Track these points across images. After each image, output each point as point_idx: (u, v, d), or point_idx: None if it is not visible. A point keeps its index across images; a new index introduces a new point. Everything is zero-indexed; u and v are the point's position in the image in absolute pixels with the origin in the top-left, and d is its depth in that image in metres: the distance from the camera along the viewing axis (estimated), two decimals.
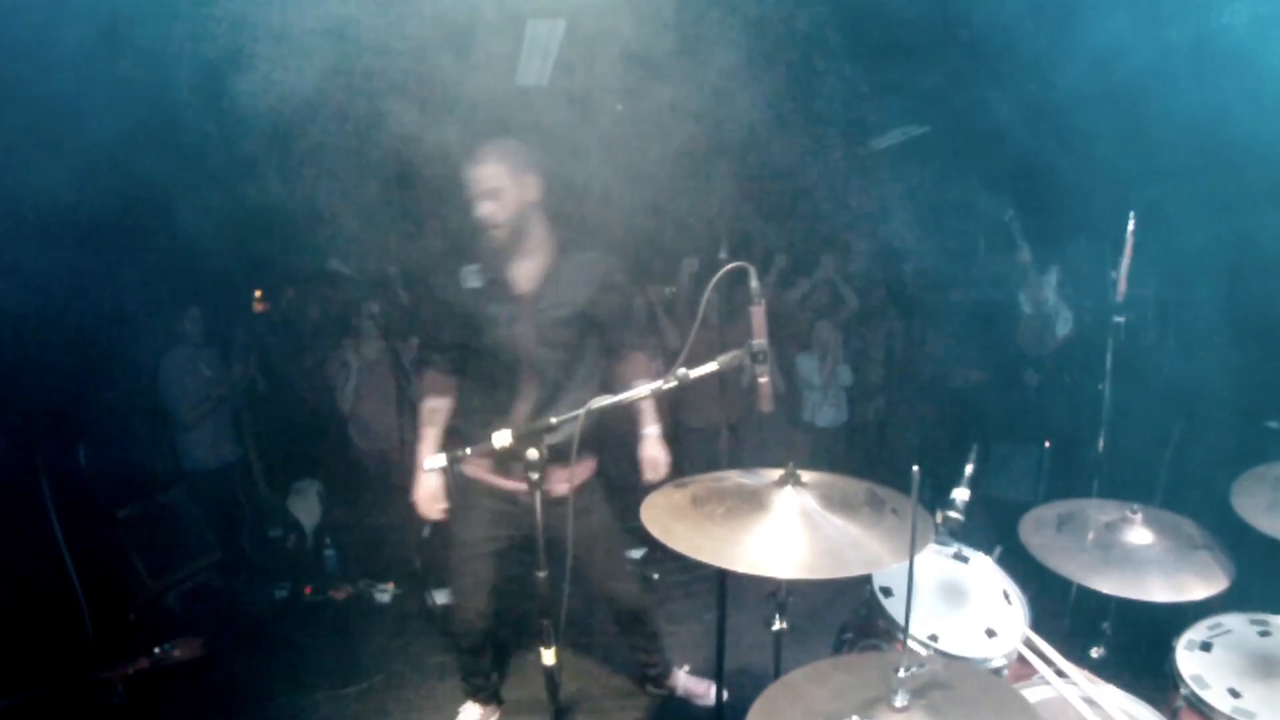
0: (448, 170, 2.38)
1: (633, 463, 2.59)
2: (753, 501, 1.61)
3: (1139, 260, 2.65)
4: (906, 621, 1.38)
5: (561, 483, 2.13)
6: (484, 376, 2.41)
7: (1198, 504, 2.05)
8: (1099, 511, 1.99)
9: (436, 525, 2.70)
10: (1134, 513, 1.92)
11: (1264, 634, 1.75)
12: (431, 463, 1.93)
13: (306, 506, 4.72)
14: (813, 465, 1.77)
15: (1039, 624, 1.93)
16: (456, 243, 2.53)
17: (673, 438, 4.71)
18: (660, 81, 3.33)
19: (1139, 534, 1.89)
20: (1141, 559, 1.83)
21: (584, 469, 2.50)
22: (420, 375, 2.91)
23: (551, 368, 2.35)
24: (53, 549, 3.28)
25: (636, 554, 4.09)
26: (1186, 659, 1.71)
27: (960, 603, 1.94)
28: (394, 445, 4.35)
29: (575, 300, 2.34)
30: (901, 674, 1.25)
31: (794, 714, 1.29)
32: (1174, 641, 1.76)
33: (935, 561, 2.04)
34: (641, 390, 1.72)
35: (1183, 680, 1.66)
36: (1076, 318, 4.29)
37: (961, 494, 1.98)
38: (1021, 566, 2.01)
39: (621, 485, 2.76)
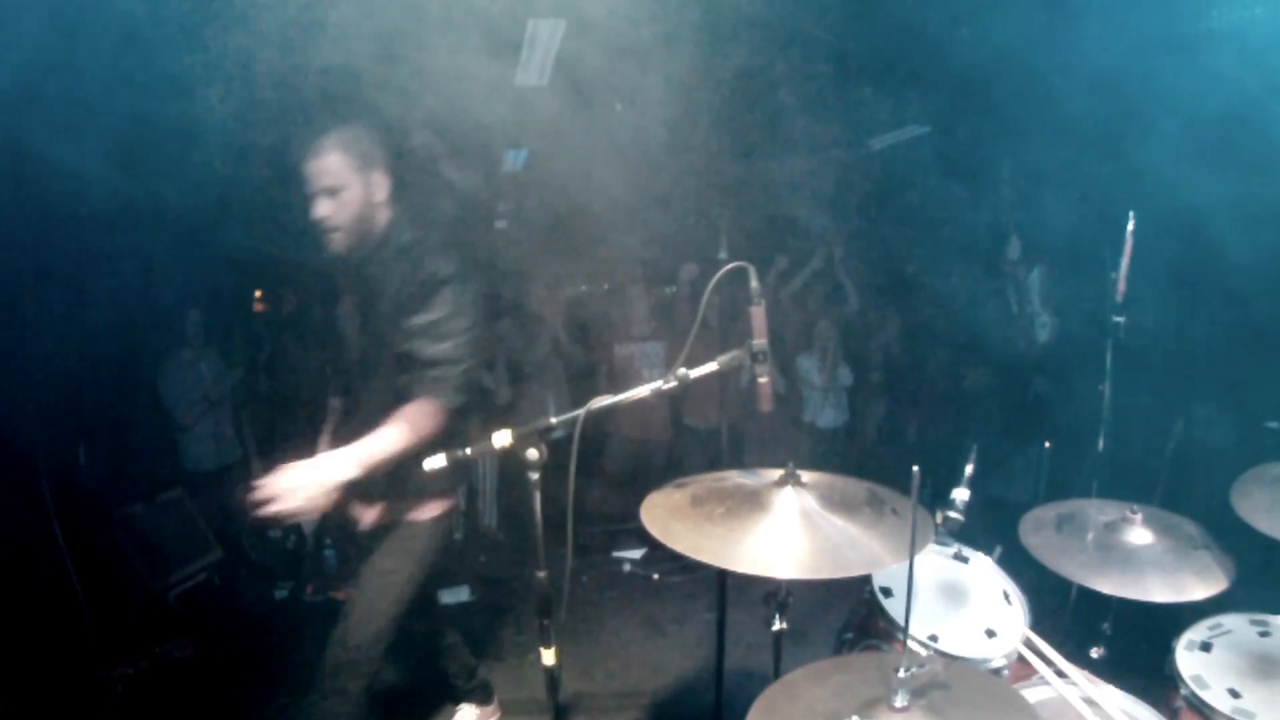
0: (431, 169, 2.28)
1: (633, 462, 2.59)
2: (753, 501, 1.61)
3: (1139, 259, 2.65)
4: (906, 622, 1.38)
5: (367, 514, 2.02)
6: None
7: (1198, 504, 2.05)
8: (1099, 512, 1.98)
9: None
10: (1134, 513, 1.92)
11: (1264, 634, 1.75)
12: (432, 462, 1.91)
13: None
14: (813, 465, 1.76)
15: (1039, 624, 1.93)
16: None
17: (673, 438, 4.75)
18: (660, 81, 3.33)
19: (1139, 534, 1.89)
20: (1141, 559, 1.82)
21: (375, 511, 2.12)
22: None
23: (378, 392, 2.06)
24: (53, 549, 3.28)
25: (636, 554, 4.09)
26: (1186, 659, 1.71)
27: (960, 603, 1.94)
28: None
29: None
30: (901, 674, 1.25)
31: (794, 714, 1.29)
32: (1174, 642, 1.76)
33: (935, 562, 2.04)
34: (642, 390, 1.71)
35: (1183, 680, 1.66)
36: (1063, 323, 4.27)
37: (961, 494, 1.98)
38: (1021, 567, 2.01)
39: (622, 485, 2.75)
